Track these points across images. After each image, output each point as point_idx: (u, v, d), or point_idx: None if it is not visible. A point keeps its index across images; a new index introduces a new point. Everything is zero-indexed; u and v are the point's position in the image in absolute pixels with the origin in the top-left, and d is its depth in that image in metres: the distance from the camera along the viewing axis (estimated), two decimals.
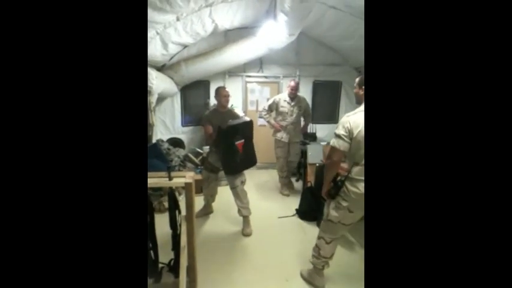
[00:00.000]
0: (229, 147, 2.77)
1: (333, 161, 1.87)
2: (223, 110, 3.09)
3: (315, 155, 3.99)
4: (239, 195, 2.93)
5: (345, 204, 1.89)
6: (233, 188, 2.93)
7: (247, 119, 3.01)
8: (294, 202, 3.65)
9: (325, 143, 4.71)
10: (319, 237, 2.12)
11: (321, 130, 5.48)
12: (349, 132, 1.77)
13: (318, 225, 3.08)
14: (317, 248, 2.13)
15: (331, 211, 1.98)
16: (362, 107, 1.83)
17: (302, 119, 4.26)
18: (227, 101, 3.08)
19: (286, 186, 4.23)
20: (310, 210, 3.27)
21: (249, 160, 2.97)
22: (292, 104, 4.01)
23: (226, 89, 3.14)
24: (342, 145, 1.80)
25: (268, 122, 4.24)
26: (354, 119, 1.78)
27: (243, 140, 2.85)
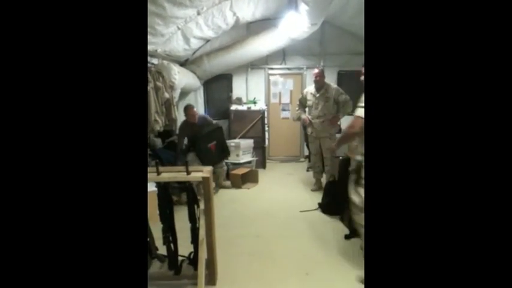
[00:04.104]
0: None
1: (355, 131, 1.91)
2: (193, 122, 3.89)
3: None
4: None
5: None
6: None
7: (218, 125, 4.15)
8: (317, 196, 3.60)
9: None
10: None
11: (346, 122, 5.32)
12: None
13: (341, 219, 3.02)
14: None
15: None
16: None
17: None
18: (194, 118, 3.91)
19: (318, 183, 4.04)
20: (332, 204, 3.20)
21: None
22: (317, 95, 3.69)
23: (194, 109, 3.99)
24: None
25: (298, 118, 4.03)
26: None
27: (214, 142, 3.95)
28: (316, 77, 3.67)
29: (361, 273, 2.06)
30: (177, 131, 4.02)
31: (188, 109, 3.93)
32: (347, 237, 2.70)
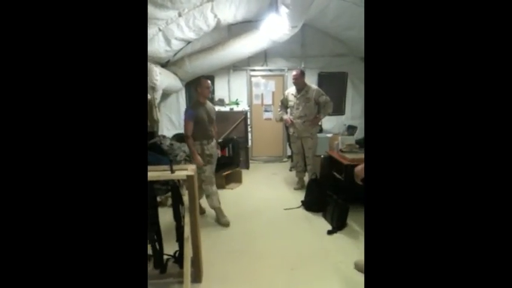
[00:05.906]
0: None
1: None
2: (204, 102, 3.00)
3: (320, 146, 3.98)
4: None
5: None
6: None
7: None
8: (300, 194, 3.67)
9: (331, 134, 4.68)
10: None
11: (327, 122, 5.45)
12: None
13: (324, 216, 3.09)
14: None
15: None
16: None
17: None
18: (207, 93, 2.99)
19: (301, 181, 4.12)
20: (315, 201, 3.27)
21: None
22: (298, 96, 3.77)
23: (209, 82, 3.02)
24: None
25: (281, 119, 4.11)
26: None
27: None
28: (294, 79, 3.74)
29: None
30: (188, 118, 2.86)
31: (202, 81, 2.94)
32: (329, 232, 2.78)
